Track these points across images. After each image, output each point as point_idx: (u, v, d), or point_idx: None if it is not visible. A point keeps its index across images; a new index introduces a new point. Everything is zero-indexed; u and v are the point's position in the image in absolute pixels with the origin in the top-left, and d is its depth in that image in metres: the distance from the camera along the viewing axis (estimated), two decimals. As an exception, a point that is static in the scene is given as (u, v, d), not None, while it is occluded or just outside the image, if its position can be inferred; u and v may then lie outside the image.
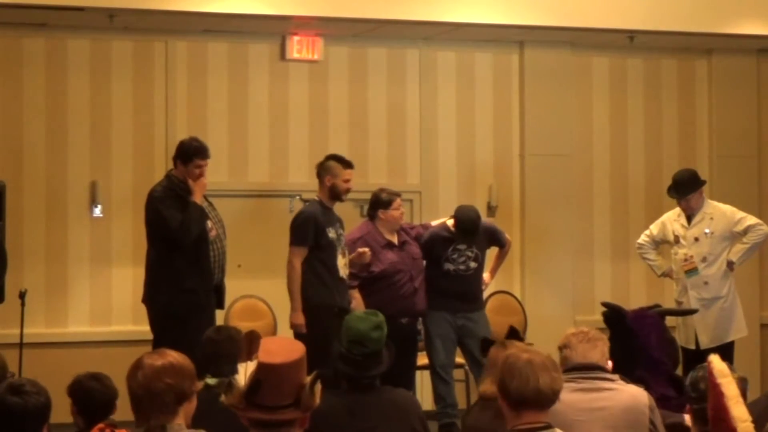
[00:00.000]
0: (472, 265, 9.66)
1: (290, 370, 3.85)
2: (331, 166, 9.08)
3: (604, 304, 8.07)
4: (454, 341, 9.72)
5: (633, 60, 12.05)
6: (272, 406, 3.83)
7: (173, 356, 4.09)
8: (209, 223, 8.57)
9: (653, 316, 7.81)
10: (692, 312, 9.36)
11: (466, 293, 9.69)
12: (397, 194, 9.57)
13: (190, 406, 4.13)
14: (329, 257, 8.91)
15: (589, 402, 4.95)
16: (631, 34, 11.37)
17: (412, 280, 9.35)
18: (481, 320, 9.75)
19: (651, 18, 11.15)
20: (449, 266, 9.63)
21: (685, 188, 9.78)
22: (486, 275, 9.95)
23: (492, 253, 10.04)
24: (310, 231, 8.86)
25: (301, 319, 8.80)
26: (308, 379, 3.91)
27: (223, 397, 3.96)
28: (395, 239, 9.44)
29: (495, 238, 9.96)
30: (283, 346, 3.96)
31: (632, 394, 5.03)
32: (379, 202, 9.43)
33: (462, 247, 9.66)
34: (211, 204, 8.78)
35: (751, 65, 12.28)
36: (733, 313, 9.80)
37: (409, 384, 9.22)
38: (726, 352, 8.99)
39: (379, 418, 5.41)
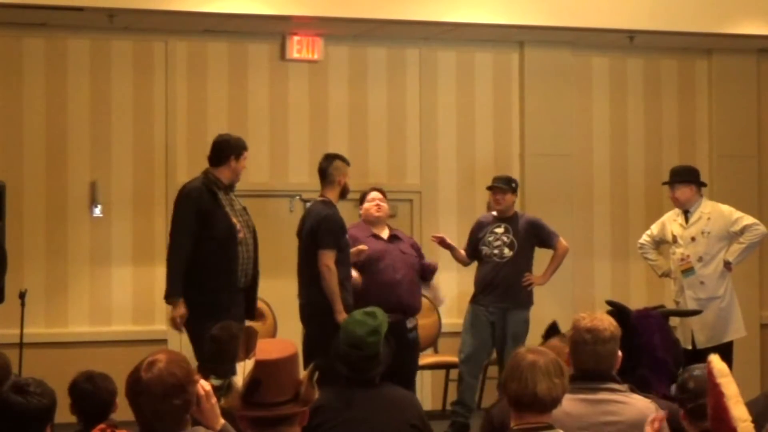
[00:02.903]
0: (507, 252, 9.63)
1: (287, 365, 3.90)
2: (341, 166, 8.91)
3: (609, 303, 8.07)
4: (486, 338, 9.68)
5: (633, 60, 12.06)
6: (273, 402, 3.85)
7: (171, 370, 3.83)
8: (237, 225, 8.45)
9: (657, 316, 7.79)
10: (696, 313, 9.34)
11: (500, 284, 9.64)
12: (376, 188, 9.36)
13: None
14: (347, 258, 8.82)
15: (596, 416, 4.89)
16: (631, 34, 11.38)
17: (395, 270, 8.99)
18: (515, 320, 9.68)
19: (651, 18, 11.16)
20: (484, 249, 9.68)
21: (673, 177, 9.84)
22: (537, 276, 9.86)
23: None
24: (340, 233, 8.77)
25: None
26: (305, 373, 3.94)
27: (222, 401, 3.97)
28: (384, 234, 9.18)
29: (541, 236, 9.87)
30: (276, 345, 4.00)
31: (640, 409, 4.95)
32: (360, 200, 9.33)
33: (498, 230, 9.67)
34: (245, 209, 8.59)
35: (751, 65, 12.28)
36: (731, 314, 9.79)
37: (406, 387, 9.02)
38: (725, 352, 8.97)
39: (376, 410, 5.51)
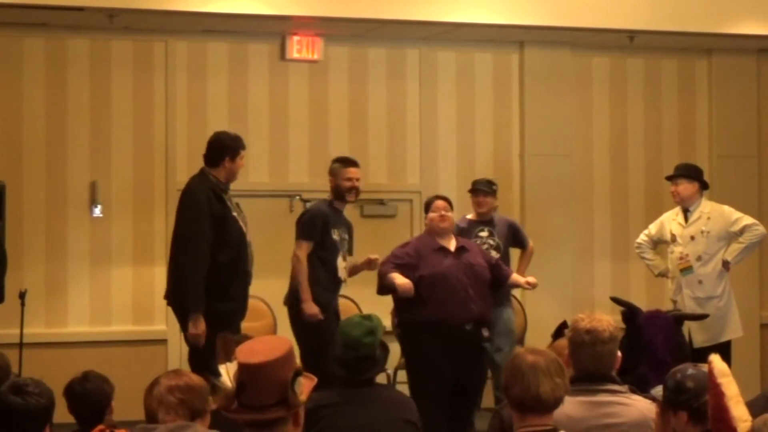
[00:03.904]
0: (494, 254, 9.64)
1: (271, 368, 3.83)
2: (332, 168, 9.16)
3: (616, 300, 8.06)
4: None
5: (633, 60, 12.06)
6: (258, 405, 3.82)
7: (189, 377, 4.23)
8: (243, 226, 8.40)
9: (666, 318, 7.79)
10: (704, 317, 9.32)
11: None
12: (440, 197, 8.92)
13: (204, 423, 4.16)
14: (330, 257, 8.88)
15: (598, 418, 4.88)
16: (631, 34, 11.38)
17: (465, 287, 8.50)
18: (502, 316, 9.71)
19: (651, 18, 11.16)
20: None
21: (678, 170, 9.90)
22: (514, 276, 9.90)
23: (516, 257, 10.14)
24: (317, 227, 8.84)
25: (314, 309, 8.69)
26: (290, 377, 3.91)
27: (210, 399, 4.00)
28: (451, 245, 8.62)
29: (518, 236, 10.06)
30: (266, 345, 3.93)
31: (641, 410, 4.94)
32: (425, 209, 8.90)
33: (483, 234, 9.68)
34: (238, 206, 8.59)
35: (751, 65, 12.28)
36: (728, 313, 9.82)
37: (475, 391, 8.85)
38: (723, 352, 8.98)
39: (372, 410, 5.55)
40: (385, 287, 8.48)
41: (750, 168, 12.23)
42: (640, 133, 12.10)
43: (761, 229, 9.84)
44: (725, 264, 9.77)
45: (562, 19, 11.01)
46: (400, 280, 8.31)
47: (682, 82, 12.22)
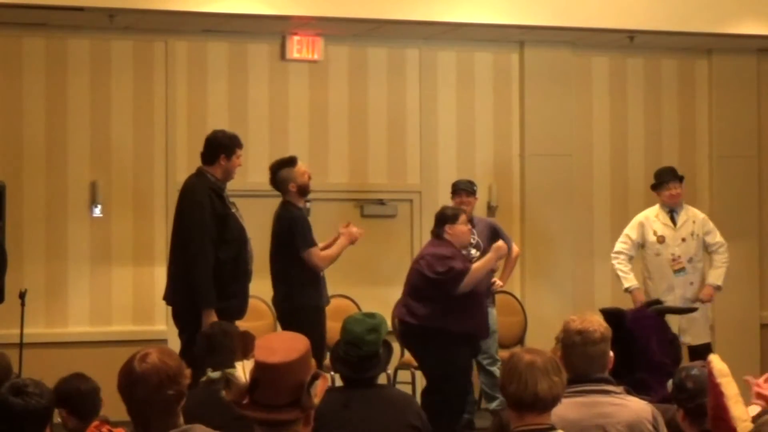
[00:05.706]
0: (474, 252, 9.65)
1: (288, 369, 3.79)
2: (288, 174, 8.75)
3: (602, 311, 8.04)
4: None
5: (633, 60, 12.06)
6: (270, 405, 3.80)
7: (164, 361, 3.97)
8: (243, 224, 8.43)
9: (652, 317, 7.78)
10: (692, 310, 9.38)
11: None
12: (462, 210, 9.23)
13: (182, 402, 4.12)
14: None
15: (592, 419, 4.89)
16: (631, 34, 11.38)
17: (485, 295, 9.17)
18: (490, 318, 9.74)
19: (651, 18, 11.16)
20: None
21: (674, 173, 9.95)
22: (498, 281, 9.94)
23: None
24: (310, 231, 8.76)
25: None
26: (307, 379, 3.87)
27: (224, 393, 3.93)
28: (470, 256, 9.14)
29: (498, 237, 9.98)
30: (284, 344, 3.87)
31: (635, 410, 4.95)
32: (445, 218, 8.94)
33: None
34: (234, 204, 8.58)
35: (751, 65, 12.28)
36: (706, 317, 9.97)
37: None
38: (707, 352, 9.06)
39: (374, 411, 5.53)
40: (477, 279, 8.73)
41: (750, 168, 12.23)
42: (640, 133, 12.10)
43: (725, 246, 9.94)
44: (717, 289, 9.88)
45: (562, 19, 11.01)
46: (483, 260, 8.85)
47: (682, 82, 12.22)
